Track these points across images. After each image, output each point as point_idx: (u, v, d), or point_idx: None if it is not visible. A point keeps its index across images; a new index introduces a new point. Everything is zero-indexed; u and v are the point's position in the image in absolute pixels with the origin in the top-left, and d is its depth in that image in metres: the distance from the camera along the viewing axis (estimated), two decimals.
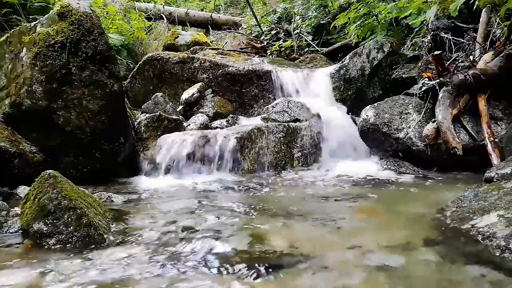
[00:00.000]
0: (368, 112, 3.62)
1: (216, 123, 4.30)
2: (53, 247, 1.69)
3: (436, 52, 3.34)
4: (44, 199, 1.76)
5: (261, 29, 7.90)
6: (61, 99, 2.99)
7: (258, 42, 7.65)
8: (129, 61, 6.35)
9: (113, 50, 3.25)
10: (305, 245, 1.66)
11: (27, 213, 1.80)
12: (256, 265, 1.46)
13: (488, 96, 3.29)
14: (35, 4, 5.14)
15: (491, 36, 3.67)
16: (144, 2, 8.58)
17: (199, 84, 4.81)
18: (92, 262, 1.53)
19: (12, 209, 2.05)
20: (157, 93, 4.39)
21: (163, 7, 8.77)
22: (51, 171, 1.86)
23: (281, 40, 7.17)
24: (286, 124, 3.84)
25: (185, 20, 9.27)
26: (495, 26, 3.71)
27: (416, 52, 4.59)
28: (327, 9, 7.18)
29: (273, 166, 3.60)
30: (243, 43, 7.99)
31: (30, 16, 4.91)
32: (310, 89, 4.66)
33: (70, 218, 1.75)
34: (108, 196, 2.55)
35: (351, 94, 4.46)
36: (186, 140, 3.55)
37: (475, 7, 3.48)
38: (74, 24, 2.96)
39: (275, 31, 7.65)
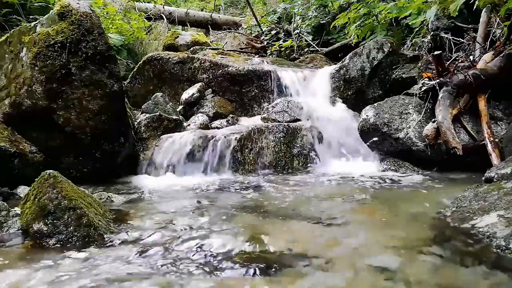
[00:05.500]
0: (368, 112, 3.62)
1: (216, 123, 4.30)
2: (53, 247, 1.69)
3: (436, 52, 3.34)
4: (44, 199, 1.76)
5: (261, 29, 7.90)
6: (61, 99, 2.99)
7: (258, 42, 7.65)
8: (129, 61, 6.34)
9: (113, 50, 3.25)
10: (305, 245, 1.65)
11: (27, 213, 1.80)
12: (256, 265, 1.46)
13: (488, 96, 3.29)
14: (35, 4, 5.14)
15: (491, 36, 3.67)
16: (144, 2, 8.58)
17: (199, 84, 4.81)
18: (92, 262, 1.53)
19: (12, 209, 2.05)
20: (157, 93, 4.39)
21: (163, 7, 8.77)
22: (51, 171, 1.86)
23: (281, 40, 7.17)
24: (286, 124, 3.84)
25: (185, 20, 9.28)
26: (495, 26, 3.71)
27: (416, 52, 4.59)
28: (327, 9, 7.19)
29: (273, 166, 3.60)
30: (243, 43, 8.00)
31: (30, 16, 4.90)
32: (310, 89, 4.65)
33: (70, 218, 1.75)
34: (108, 196, 2.55)
35: (351, 94, 4.46)
36: (186, 140, 3.55)
37: (475, 7, 3.48)
38: (74, 24, 2.96)
39: (275, 31, 7.65)
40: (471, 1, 3.41)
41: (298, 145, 3.74)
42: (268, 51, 7.15)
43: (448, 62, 3.53)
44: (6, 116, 3.05)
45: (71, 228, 1.74)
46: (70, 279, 1.38)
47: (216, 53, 5.72)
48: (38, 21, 3.11)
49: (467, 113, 3.33)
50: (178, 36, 6.97)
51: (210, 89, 4.86)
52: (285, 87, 4.68)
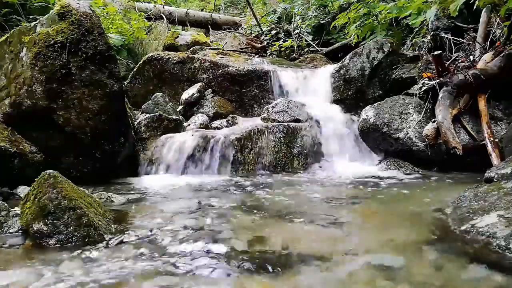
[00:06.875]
0: (368, 112, 3.62)
1: (216, 123, 4.30)
2: (53, 247, 1.69)
3: (436, 52, 3.34)
4: (44, 199, 1.76)
5: (261, 29, 7.90)
6: (61, 99, 2.99)
7: (258, 42, 7.66)
8: (129, 61, 6.34)
9: (113, 50, 3.25)
10: (305, 245, 1.65)
11: (27, 213, 1.80)
12: (256, 265, 1.46)
13: (488, 96, 3.29)
14: (35, 4, 5.14)
15: (491, 36, 3.67)
16: (144, 2, 8.58)
17: (199, 84, 4.81)
18: (92, 262, 1.53)
19: (12, 209, 2.05)
20: (157, 93, 4.39)
21: (163, 7, 8.77)
22: (51, 171, 1.86)
23: (281, 40, 7.17)
24: (286, 124, 3.84)
25: (185, 20, 9.28)
26: (495, 26, 3.71)
27: (416, 52, 4.59)
28: (327, 9, 7.19)
29: (273, 166, 3.60)
30: (243, 43, 8.01)
31: (30, 16, 4.90)
32: (310, 89, 4.65)
33: (70, 218, 1.75)
34: (108, 196, 2.54)
35: (351, 94, 4.46)
36: (186, 140, 3.55)
37: (475, 7, 3.48)
38: (74, 24, 2.96)
39: (275, 31, 7.65)
40: (471, 1, 3.41)
41: (298, 145, 3.74)
42: (268, 51, 7.15)
43: (448, 62, 3.54)
44: (6, 116, 3.05)
45: (71, 228, 1.74)
46: (70, 279, 1.38)
47: (216, 53, 5.72)
48: (38, 21, 3.11)
49: (467, 113, 3.33)
50: (178, 36, 6.97)
51: (210, 89, 4.86)
52: (285, 87, 4.68)
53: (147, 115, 3.90)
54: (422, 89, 3.49)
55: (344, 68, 4.51)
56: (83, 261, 1.54)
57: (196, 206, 2.36)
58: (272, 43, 7.23)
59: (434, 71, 3.51)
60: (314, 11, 7.33)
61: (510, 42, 3.39)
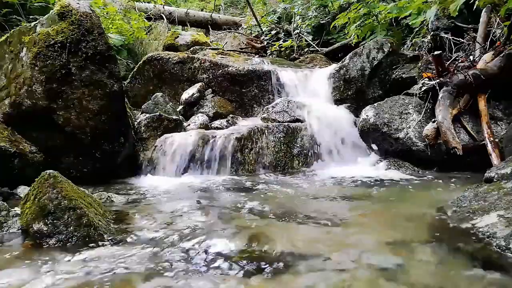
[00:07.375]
0: (368, 112, 3.62)
1: (216, 123, 4.30)
2: (53, 247, 1.69)
3: (436, 52, 3.34)
4: (44, 199, 1.76)
5: (261, 29, 7.91)
6: (61, 99, 2.99)
7: (258, 42, 7.66)
8: (129, 61, 6.35)
9: (113, 50, 3.25)
10: (305, 245, 1.65)
11: (27, 213, 1.80)
12: (256, 265, 1.46)
13: (488, 96, 3.29)
14: (35, 4, 5.14)
15: (491, 36, 3.67)
16: (144, 2, 8.58)
17: (199, 84, 4.81)
18: (92, 262, 1.53)
19: (12, 209, 2.06)
20: (157, 93, 4.39)
21: (163, 7, 8.78)
22: (51, 171, 1.86)
23: (281, 40, 7.18)
24: (286, 124, 3.84)
25: (185, 20, 9.28)
26: (495, 26, 3.71)
27: (416, 52, 4.59)
28: (327, 9, 7.19)
29: (273, 166, 3.60)
30: (243, 43, 8.01)
31: (30, 16, 4.91)
32: (310, 89, 4.65)
33: (70, 218, 1.75)
34: (108, 196, 2.55)
35: (351, 94, 4.46)
36: (186, 140, 3.55)
37: (475, 7, 3.48)
38: (74, 24, 2.96)
39: (275, 31, 7.66)
40: (471, 1, 3.41)
41: (298, 145, 3.74)
42: (268, 51, 7.15)
43: (448, 62, 3.53)
44: (6, 116, 3.05)
45: (71, 228, 1.74)
46: (70, 279, 1.38)
47: (216, 53, 5.72)
48: (38, 21, 3.11)
49: (467, 113, 3.33)
50: (178, 36, 6.97)
51: (210, 89, 4.86)
52: (285, 87, 4.68)
53: (147, 115, 3.91)
54: (422, 89, 3.49)
55: (344, 68, 4.51)
56: (83, 261, 1.54)
57: (195, 206, 2.36)
58: (272, 43, 7.24)
59: (434, 71, 3.51)
60: (314, 11, 7.33)
61: (510, 42, 3.39)
